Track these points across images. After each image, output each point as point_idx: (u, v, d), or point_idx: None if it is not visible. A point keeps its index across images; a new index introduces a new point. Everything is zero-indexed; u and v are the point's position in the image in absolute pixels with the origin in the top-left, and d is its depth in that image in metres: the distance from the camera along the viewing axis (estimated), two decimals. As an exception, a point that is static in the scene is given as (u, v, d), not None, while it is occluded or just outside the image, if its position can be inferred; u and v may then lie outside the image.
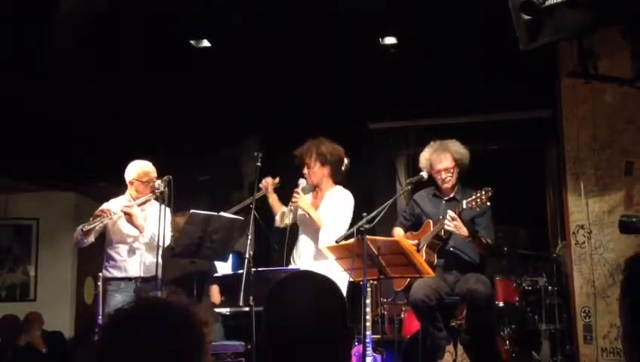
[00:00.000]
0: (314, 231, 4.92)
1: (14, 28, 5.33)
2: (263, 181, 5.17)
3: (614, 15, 3.60)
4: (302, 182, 5.00)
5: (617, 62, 4.64)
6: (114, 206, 5.07)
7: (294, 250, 5.09)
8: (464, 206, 4.60)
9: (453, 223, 4.58)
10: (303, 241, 5.02)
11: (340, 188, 5.03)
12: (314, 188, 5.08)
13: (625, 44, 4.33)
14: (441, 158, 4.89)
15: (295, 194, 4.90)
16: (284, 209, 5.15)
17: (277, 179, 5.20)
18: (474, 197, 4.56)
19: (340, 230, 4.69)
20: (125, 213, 4.95)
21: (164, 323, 1.50)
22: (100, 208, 5.04)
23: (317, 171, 4.97)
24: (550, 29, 3.67)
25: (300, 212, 5.02)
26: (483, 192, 4.54)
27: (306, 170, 4.99)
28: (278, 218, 5.20)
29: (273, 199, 5.21)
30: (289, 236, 5.05)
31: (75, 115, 6.89)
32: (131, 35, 5.66)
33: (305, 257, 4.96)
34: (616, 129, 5.07)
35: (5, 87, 6.06)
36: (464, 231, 4.61)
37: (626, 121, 5.01)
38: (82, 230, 4.94)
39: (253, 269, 4.51)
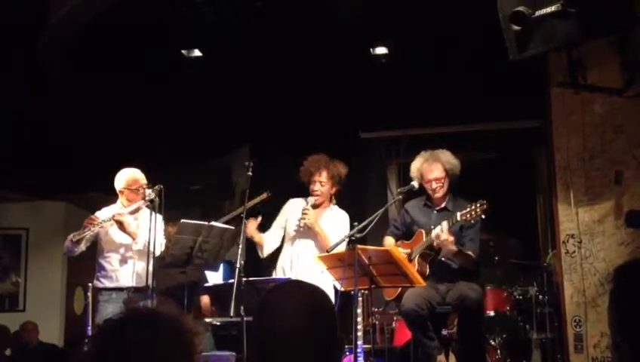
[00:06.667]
0: (316, 244, 5.03)
1: (4, 35, 5.31)
2: (246, 227, 4.83)
3: (603, 26, 3.63)
4: (310, 200, 5.08)
5: (606, 72, 4.67)
6: (105, 214, 5.03)
7: (285, 261, 5.11)
8: (458, 218, 4.58)
9: (439, 240, 4.58)
10: (303, 252, 5.06)
11: (337, 208, 5.14)
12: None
13: (614, 54, 4.37)
14: (432, 168, 4.89)
15: (306, 212, 4.98)
16: (265, 235, 5.19)
17: (265, 197, 5.12)
18: (468, 209, 4.54)
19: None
20: (117, 221, 4.91)
21: (154, 334, 1.50)
22: (90, 217, 5.00)
23: (327, 191, 5.07)
24: (540, 40, 3.69)
25: (298, 227, 5.06)
26: (478, 205, 4.52)
27: (318, 187, 5.03)
28: (265, 249, 5.21)
29: (259, 238, 5.16)
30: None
31: (66, 124, 6.87)
32: (123, 45, 5.65)
33: (303, 267, 5.00)
34: (606, 139, 5.09)
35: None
36: (452, 248, 4.62)
37: (616, 130, 5.02)
38: (72, 239, 4.91)
39: (244, 279, 4.50)
